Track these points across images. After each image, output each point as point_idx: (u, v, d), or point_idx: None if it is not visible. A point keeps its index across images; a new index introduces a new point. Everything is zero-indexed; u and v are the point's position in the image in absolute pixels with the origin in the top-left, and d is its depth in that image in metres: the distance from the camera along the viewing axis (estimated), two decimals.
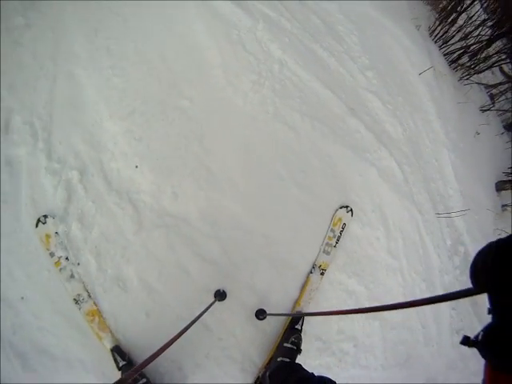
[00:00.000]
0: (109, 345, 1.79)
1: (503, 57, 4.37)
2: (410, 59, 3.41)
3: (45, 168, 1.98)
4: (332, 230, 2.20)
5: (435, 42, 4.12)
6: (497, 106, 4.35)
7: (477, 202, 3.18)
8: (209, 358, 1.87)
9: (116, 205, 1.96)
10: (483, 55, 4.21)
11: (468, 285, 0.62)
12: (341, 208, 2.25)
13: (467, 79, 4.09)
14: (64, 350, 1.79)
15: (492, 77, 4.83)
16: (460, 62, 4.12)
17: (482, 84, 4.36)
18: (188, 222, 1.96)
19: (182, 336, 1.43)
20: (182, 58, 2.27)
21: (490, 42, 4.12)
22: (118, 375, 1.73)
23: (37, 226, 1.89)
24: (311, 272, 2.11)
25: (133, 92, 2.18)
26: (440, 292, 2.57)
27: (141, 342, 1.84)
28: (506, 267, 0.52)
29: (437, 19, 4.13)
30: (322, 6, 3.08)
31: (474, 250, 2.82)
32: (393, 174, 2.59)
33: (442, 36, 4.11)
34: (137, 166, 2.01)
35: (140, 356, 1.82)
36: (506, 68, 4.94)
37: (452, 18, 4.11)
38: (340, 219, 2.23)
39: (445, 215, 2.81)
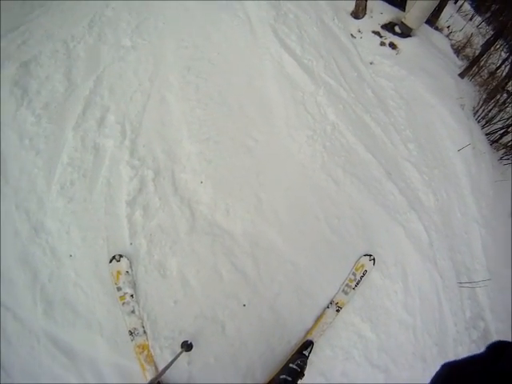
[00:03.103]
0: (149, 377, 1.84)
1: None
2: (451, 136, 3.65)
3: (126, 161, 2.31)
4: (353, 274, 2.42)
5: (478, 121, 4.35)
6: None
7: (504, 282, 3.15)
8: (216, 360, 1.95)
9: (177, 206, 2.25)
10: None
11: None
12: (364, 255, 2.47)
13: (508, 159, 4.21)
14: (89, 310, 1.90)
15: None
16: (501, 141, 4.30)
17: None
18: (232, 236, 2.24)
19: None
20: (254, 107, 2.75)
21: None
22: (130, 349, 1.88)
23: (110, 261, 2.05)
24: (328, 307, 2.30)
25: (211, 124, 2.63)
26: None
27: (160, 324, 1.97)
28: None
29: (481, 99, 4.38)
30: (379, 82, 3.51)
31: (495, 328, 2.82)
32: (419, 236, 2.76)
33: (484, 116, 4.33)
34: (202, 182, 2.39)
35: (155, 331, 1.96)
36: None
37: (496, 98, 4.35)
38: (362, 265, 2.45)
39: (467, 285, 2.86)
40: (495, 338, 2.79)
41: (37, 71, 2.62)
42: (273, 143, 2.59)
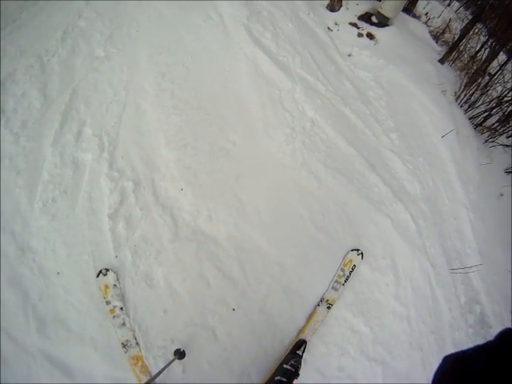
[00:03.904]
0: None
1: None
2: (434, 123, 3.64)
3: (105, 174, 2.31)
4: (342, 270, 2.40)
5: (461, 106, 4.34)
6: None
7: (496, 263, 3.17)
8: (210, 366, 1.96)
9: (159, 216, 2.24)
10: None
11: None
12: (352, 250, 2.45)
13: (493, 141, 4.24)
14: (81, 326, 1.91)
15: None
16: (485, 124, 4.31)
17: (509, 146, 4.44)
18: (216, 241, 2.22)
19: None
20: (231, 109, 2.71)
21: None
22: (124, 361, 1.88)
23: (98, 276, 2.06)
24: (318, 305, 2.28)
25: (188, 129, 2.60)
26: (450, 347, 2.56)
27: (152, 334, 1.98)
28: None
29: (462, 84, 4.37)
30: (358, 74, 3.48)
31: (492, 311, 2.82)
32: (406, 226, 2.75)
33: (467, 100, 4.32)
34: (182, 189, 2.36)
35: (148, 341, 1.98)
36: None
37: (478, 82, 4.34)
38: (351, 260, 2.43)
39: (460, 271, 2.86)
40: (492, 320, 2.79)
41: (12, 89, 2.58)
42: (251, 144, 2.56)
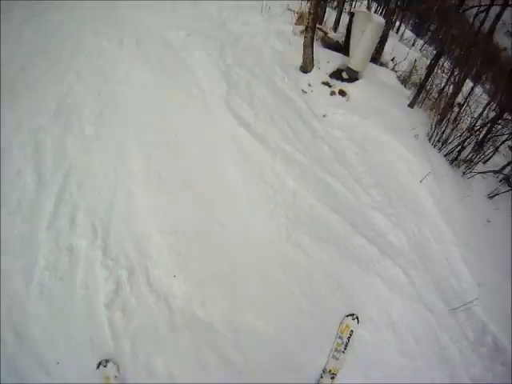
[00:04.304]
0: None
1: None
2: (411, 169, 3.82)
3: (100, 262, 2.35)
4: (340, 337, 2.45)
5: (434, 145, 4.58)
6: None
7: (496, 288, 3.20)
8: None
9: (154, 304, 2.27)
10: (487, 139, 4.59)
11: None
12: (347, 316, 2.51)
13: (470, 172, 4.43)
14: None
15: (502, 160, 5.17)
16: (460, 157, 4.52)
17: (490, 171, 4.61)
18: (212, 326, 2.25)
19: None
20: (216, 189, 2.87)
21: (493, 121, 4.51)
22: None
23: (98, 367, 2.05)
24: (321, 376, 2.31)
25: (177, 213, 2.71)
26: None
27: None
28: None
29: (433, 123, 4.60)
30: (333, 134, 3.73)
31: (504, 334, 2.82)
32: (398, 280, 2.82)
33: (439, 139, 4.56)
34: (175, 276, 2.43)
35: None
36: None
37: (448, 117, 4.59)
38: (347, 326, 2.49)
39: (462, 309, 2.89)
40: (507, 344, 2.77)
41: (8, 165, 2.74)
42: (237, 224, 2.69)
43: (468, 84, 5.39)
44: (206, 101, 3.74)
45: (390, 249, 2.96)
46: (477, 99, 5.20)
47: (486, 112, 4.95)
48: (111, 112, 3.37)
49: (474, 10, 9.27)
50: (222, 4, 6.61)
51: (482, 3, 7.94)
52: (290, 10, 6.95)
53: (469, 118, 4.78)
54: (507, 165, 4.97)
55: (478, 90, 5.18)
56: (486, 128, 4.74)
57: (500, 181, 4.81)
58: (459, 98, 5.20)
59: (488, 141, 4.85)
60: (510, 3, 5.34)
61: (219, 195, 2.84)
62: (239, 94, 3.92)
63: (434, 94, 5.53)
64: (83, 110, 3.32)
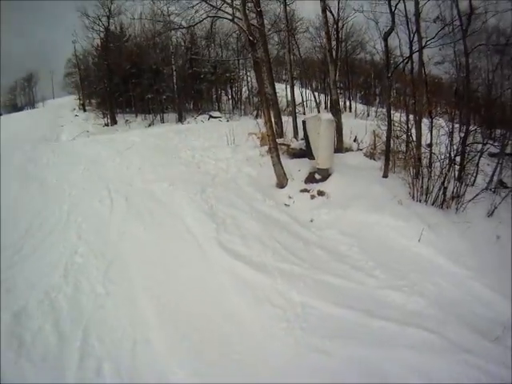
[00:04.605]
0: None
1: None
2: (405, 235, 4.14)
3: None
4: None
5: (419, 201, 4.93)
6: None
7: None
8: None
9: None
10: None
11: None
12: None
13: (461, 205, 4.66)
14: None
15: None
16: (447, 197, 4.80)
17: (479, 193, 4.71)
18: None
19: None
20: (224, 326, 3.03)
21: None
22: None
23: None
24: None
25: (195, 353, 2.78)
26: None
27: None
28: None
29: (408, 182, 4.97)
30: (324, 235, 4.13)
31: None
32: (424, 346, 2.76)
33: (422, 192, 4.91)
34: None
35: None
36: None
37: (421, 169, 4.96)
38: None
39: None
40: None
41: (27, 323, 3.01)
42: (256, 354, 2.76)
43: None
44: (199, 244, 4.28)
45: (410, 318, 3.03)
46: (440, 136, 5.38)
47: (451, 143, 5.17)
48: (116, 270, 3.82)
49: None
50: (193, 146, 8.23)
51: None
52: (252, 133, 8.29)
53: (439, 157, 5.07)
54: (492, 175, 5.37)
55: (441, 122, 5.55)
56: (458, 156, 5.12)
57: (494, 192, 5.05)
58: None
59: (466, 164, 5.23)
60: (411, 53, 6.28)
61: (233, 331, 2.97)
62: (227, 230, 4.52)
63: (401, 155, 6.01)
64: (91, 270, 3.79)
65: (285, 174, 5.94)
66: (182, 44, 16.73)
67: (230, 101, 18.92)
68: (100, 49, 16.44)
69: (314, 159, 6.13)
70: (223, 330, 3.06)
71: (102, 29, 15.61)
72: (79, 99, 18.52)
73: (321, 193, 5.37)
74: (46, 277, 3.67)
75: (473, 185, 5.19)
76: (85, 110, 17.50)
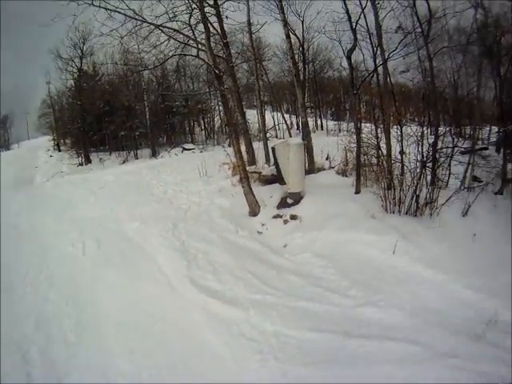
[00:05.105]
0: None
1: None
2: (380, 248, 4.19)
3: None
4: None
5: (393, 212, 5.01)
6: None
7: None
8: None
9: None
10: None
11: None
12: None
13: (435, 210, 4.73)
14: None
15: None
16: (420, 205, 4.87)
17: (452, 195, 4.76)
18: None
19: None
20: (205, 370, 2.93)
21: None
22: None
23: None
24: None
25: None
26: None
27: None
28: None
29: (381, 195, 5.09)
30: (298, 261, 4.15)
31: None
32: (408, 354, 2.72)
33: (395, 203, 5.00)
34: None
35: None
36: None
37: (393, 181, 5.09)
38: None
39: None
40: None
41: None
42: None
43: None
44: (170, 283, 4.21)
45: (389, 332, 3.01)
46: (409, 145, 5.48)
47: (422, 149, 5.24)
48: (88, 317, 3.71)
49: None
50: (166, 181, 8.28)
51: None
52: (224, 164, 8.40)
53: (410, 166, 5.18)
54: (464, 174, 5.58)
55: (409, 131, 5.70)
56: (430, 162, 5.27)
57: (468, 190, 5.21)
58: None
59: (437, 169, 5.36)
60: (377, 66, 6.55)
61: (209, 371, 2.90)
62: (199, 265, 4.50)
63: (372, 171, 6.17)
64: (62, 319, 3.67)
65: (257, 201, 6.00)
66: (154, 80, 17.08)
67: (203, 132, 19.27)
68: (73, 89, 16.67)
69: (285, 184, 6.21)
70: (199, 369, 2.98)
71: (75, 70, 15.95)
72: (54, 139, 18.57)
73: (293, 217, 5.43)
74: (18, 327, 3.57)
75: (446, 187, 5.35)
76: (59, 150, 17.53)
